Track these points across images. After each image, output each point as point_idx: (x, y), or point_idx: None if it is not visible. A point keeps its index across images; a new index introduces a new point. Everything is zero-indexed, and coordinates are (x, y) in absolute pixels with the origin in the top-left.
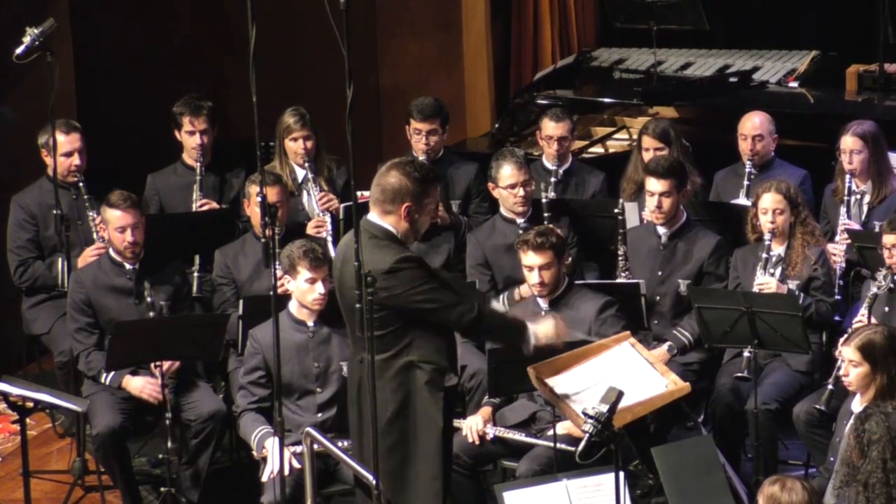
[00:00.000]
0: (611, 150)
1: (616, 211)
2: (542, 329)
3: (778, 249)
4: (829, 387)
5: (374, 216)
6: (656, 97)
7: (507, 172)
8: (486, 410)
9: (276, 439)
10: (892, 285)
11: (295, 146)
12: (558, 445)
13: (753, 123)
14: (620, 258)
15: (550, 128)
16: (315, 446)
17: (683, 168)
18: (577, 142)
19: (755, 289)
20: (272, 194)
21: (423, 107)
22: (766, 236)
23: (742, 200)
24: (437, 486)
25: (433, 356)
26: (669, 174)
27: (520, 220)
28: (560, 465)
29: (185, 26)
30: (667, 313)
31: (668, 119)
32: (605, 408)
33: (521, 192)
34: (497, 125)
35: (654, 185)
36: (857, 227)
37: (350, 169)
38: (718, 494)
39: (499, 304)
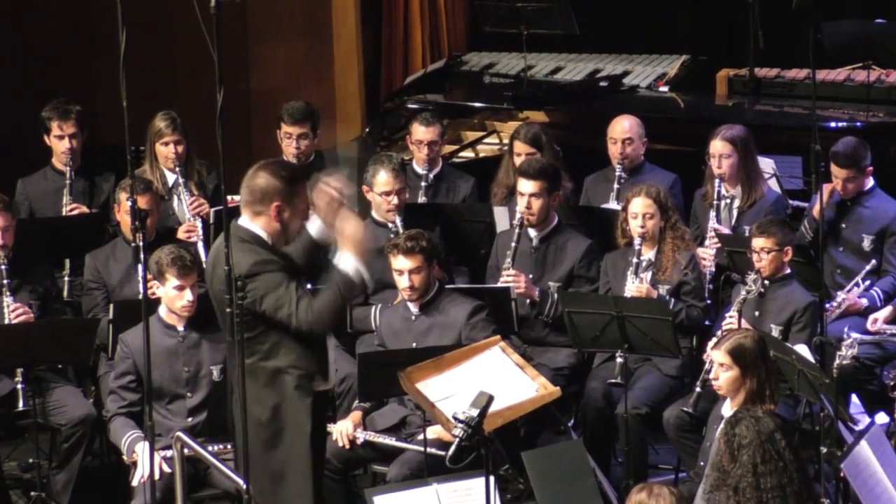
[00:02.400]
0: (481, 155)
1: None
2: (348, 258)
3: (648, 254)
4: (697, 389)
5: (244, 219)
6: (527, 101)
7: (382, 179)
8: (356, 415)
9: (147, 444)
10: (761, 289)
11: (165, 150)
12: (429, 450)
13: (623, 127)
14: (506, 265)
15: (420, 132)
16: (185, 450)
17: (556, 171)
18: (447, 146)
19: (626, 293)
20: (142, 199)
21: (294, 111)
22: (637, 241)
23: (612, 205)
24: (309, 490)
25: (300, 361)
26: (540, 176)
27: (391, 224)
28: (430, 469)
29: (53, 30)
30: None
31: (539, 124)
32: (475, 412)
33: (394, 199)
34: (368, 129)
35: (525, 186)
36: (726, 231)
37: (220, 173)
38: (589, 499)
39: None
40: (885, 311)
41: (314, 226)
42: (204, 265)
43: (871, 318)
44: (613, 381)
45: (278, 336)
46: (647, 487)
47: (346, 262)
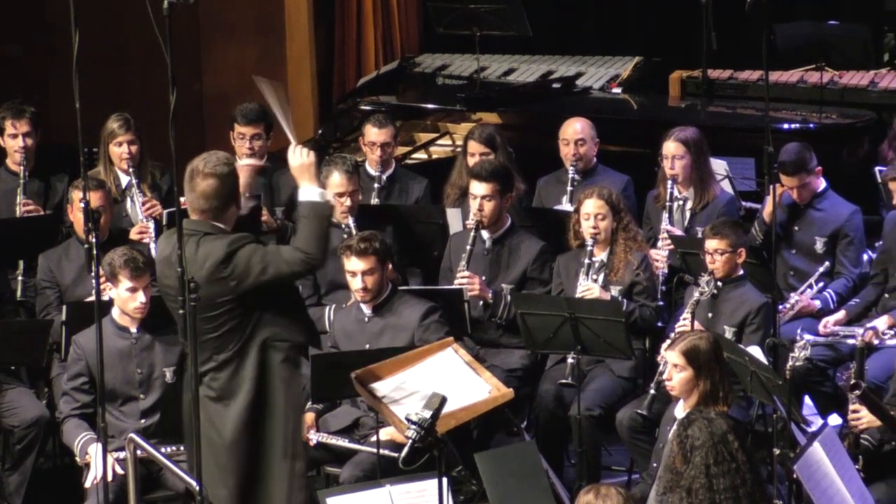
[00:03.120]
0: (434, 156)
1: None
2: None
3: (600, 255)
4: (651, 391)
5: (192, 217)
6: (479, 103)
7: (336, 180)
8: (309, 416)
9: (100, 445)
10: (714, 291)
11: (119, 151)
12: (382, 451)
13: (575, 129)
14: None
15: (373, 133)
16: (138, 452)
17: (508, 172)
18: (400, 148)
19: (578, 294)
20: (95, 200)
21: (248, 112)
22: (589, 242)
23: (565, 206)
24: (301, 467)
25: (285, 333)
26: (492, 178)
27: (345, 226)
28: (383, 470)
29: (7, 32)
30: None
31: (493, 125)
32: (428, 413)
33: (347, 201)
34: (320, 131)
35: (477, 188)
36: (679, 232)
37: (173, 175)
38: (541, 500)
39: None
40: (837, 315)
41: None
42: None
43: (823, 321)
44: (564, 381)
45: (260, 311)
46: (595, 489)
47: (305, 191)
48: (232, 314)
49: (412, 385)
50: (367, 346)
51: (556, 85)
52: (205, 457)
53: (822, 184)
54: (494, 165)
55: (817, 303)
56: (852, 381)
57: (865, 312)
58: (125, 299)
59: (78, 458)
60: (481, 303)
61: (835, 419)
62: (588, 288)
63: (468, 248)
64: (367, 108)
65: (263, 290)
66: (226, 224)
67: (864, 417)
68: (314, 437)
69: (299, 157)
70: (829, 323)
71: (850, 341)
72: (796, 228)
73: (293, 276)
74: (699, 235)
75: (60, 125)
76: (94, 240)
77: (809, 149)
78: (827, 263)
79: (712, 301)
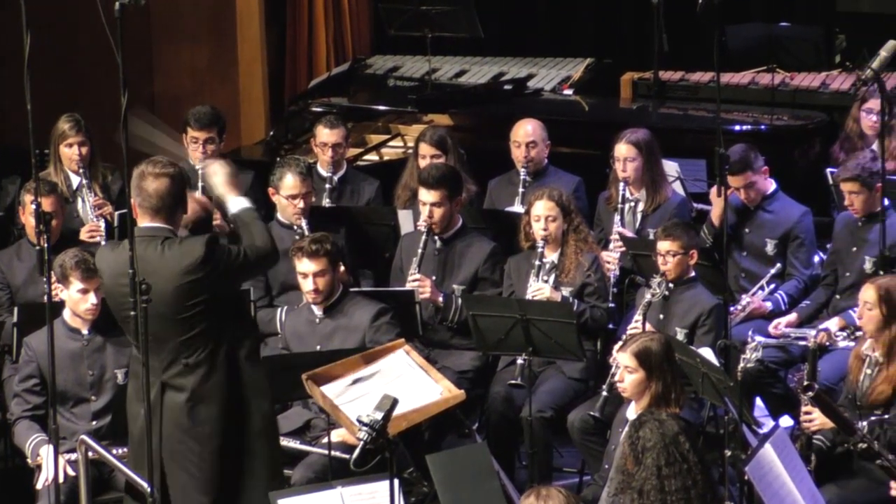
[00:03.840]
0: (385, 158)
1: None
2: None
3: (551, 256)
4: (604, 393)
5: (146, 222)
6: (431, 105)
7: (289, 182)
8: None
9: (51, 447)
10: (666, 293)
11: (70, 152)
12: (333, 453)
13: (526, 130)
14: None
15: (324, 135)
16: (90, 454)
17: (456, 176)
18: (351, 149)
19: (529, 295)
20: (47, 203)
21: (201, 116)
22: (540, 243)
23: (517, 208)
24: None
25: (241, 331)
26: (440, 184)
27: (297, 227)
28: (335, 472)
29: None
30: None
31: (445, 127)
32: (379, 415)
33: (300, 203)
34: (272, 133)
35: (426, 195)
36: (631, 234)
37: (124, 176)
38: (493, 502)
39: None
40: (789, 317)
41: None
42: None
43: (774, 322)
44: (514, 381)
45: (220, 315)
46: (536, 490)
47: (235, 202)
48: (204, 316)
49: (363, 387)
50: (319, 348)
51: (507, 86)
52: (179, 467)
53: (771, 185)
54: (442, 171)
55: (768, 304)
56: (805, 383)
57: (817, 314)
58: (76, 301)
59: (29, 460)
60: (432, 305)
61: (786, 421)
62: (539, 288)
63: (419, 251)
64: (319, 109)
65: (231, 289)
66: (177, 229)
67: (816, 419)
68: None
69: (220, 171)
70: (780, 324)
71: (802, 343)
72: (747, 231)
73: (264, 261)
74: (651, 237)
75: (11, 126)
76: (45, 244)
77: (755, 149)
78: (778, 265)
79: (664, 303)
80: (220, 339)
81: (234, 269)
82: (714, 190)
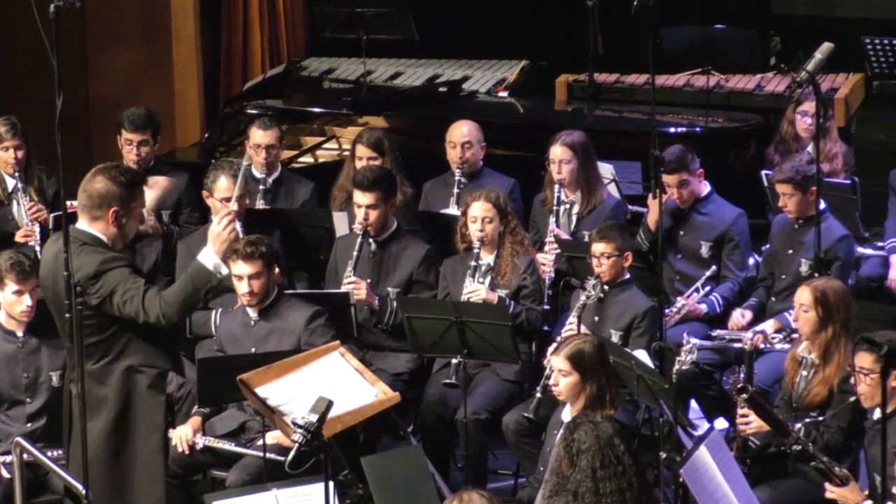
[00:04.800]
0: (320, 160)
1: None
2: (208, 249)
3: (487, 258)
4: (538, 395)
5: (82, 224)
6: (365, 107)
7: (223, 185)
8: (195, 420)
9: None
10: (601, 295)
11: (5, 156)
12: (268, 455)
13: (462, 132)
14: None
15: (259, 136)
16: (25, 456)
17: (391, 179)
18: (286, 151)
19: (464, 296)
20: None
21: (135, 118)
22: (476, 245)
23: (452, 210)
24: (160, 491)
25: (153, 359)
26: (374, 187)
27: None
28: (270, 474)
29: None
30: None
31: (381, 129)
32: (314, 417)
33: (234, 206)
34: (207, 135)
35: (360, 198)
36: (566, 236)
37: (59, 178)
38: None
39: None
40: (747, 317)
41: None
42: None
43: (732, 322)
44: (448, 381)
45: (130, 335)
46: (458, 495)
47: (206, 255)
48: (97, 328)
49: (298, 389)
50: (254, 350)
51: (442, 88)
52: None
53: (705, 188)
54: (376, 173)
55: (703, 307)
56: (739, 385)
57: (760, 314)
58: (11, 303)
59: None
60: (367, 307)
61: (721, 423)
62: (475, 290)
63: (355, 253)
64: (253, 111)
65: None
66: (105, 235)
67: (752, 422)
68: (200, 441)
69: (220, 228)
70: (739, 326)
71: (737, 345)
72: (681, 233)
73: (144, 323)
74: (586, 239)
75: None
76: None
77: (692, 150)
78: (713, 268)
79: (599, 305)
80: (118, 356)
81: (108, 306)
82: (651, 197)
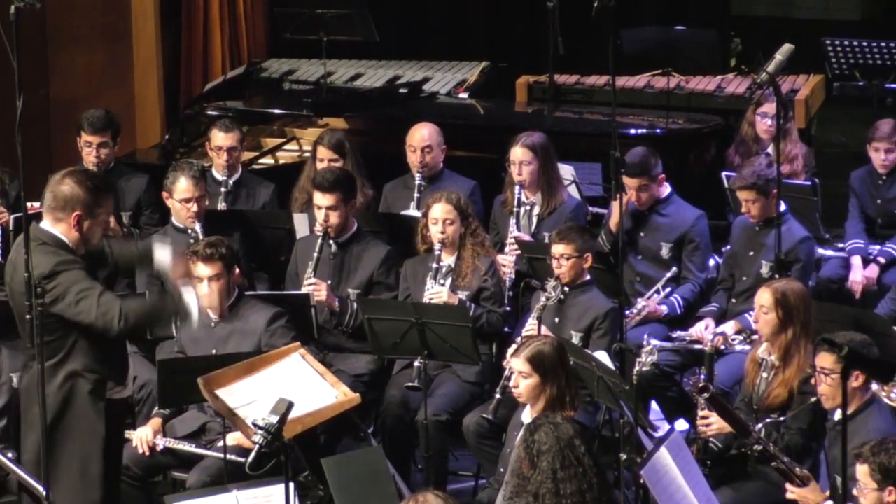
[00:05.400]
0: (281, 162)
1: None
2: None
3: (448, 260)
4: (498, 396)
5: (46, 224)
6: (326, 108)
7: (182, 186)
8: (155, 421)
9: None
10: (561, 296)
11: None
12: (228, 456)
13: (422, 135)
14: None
15: (219, 138)
16: None
17: (351, 180)
18: (247, 153)
19: (425, 298)
20: None
21: (94, 119)
22: (437, 247)
23: (413, 212)
24: (95, 496)
25: (96, 365)
26: (335, 188)
27: (191, 231)
28: (230, 475)
29: None
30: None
31: (342, 131)
32: (274, 419)
33: (194, 207)
34: (167, 136)
35: (320, 199)
36: (526, 237)
37: (20, 180)
38: None
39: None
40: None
41: (163, 252)
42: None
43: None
44: (410, 384)
45: (76, 338)
46: (413, 497)
47: (190, 296)
48: (47, 329)
49: (259, 390)
50: (214, 352)
51: (402, 90)
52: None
53: (666, 190)
54: (336, 175)
55: (664, 308)
56: (701, 384)
57: (721, 320)
58: None
59: None
60: (327, 309)
61: (681, 424)
62: (437, 292)
63: (315, 254)
64: (214, 113)
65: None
66: (66, 237)
67: (713, 423)
68: (160, 443)
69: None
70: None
71: (697, 346)
72: (642, 234)
73: (95, 329)
74: (546, 240)
75: None
76: None
77: (655, 155)
78: (674, 269)
79: (559, 306)
80: (63, 359)
81: (60, 305)
82: (613, 198)
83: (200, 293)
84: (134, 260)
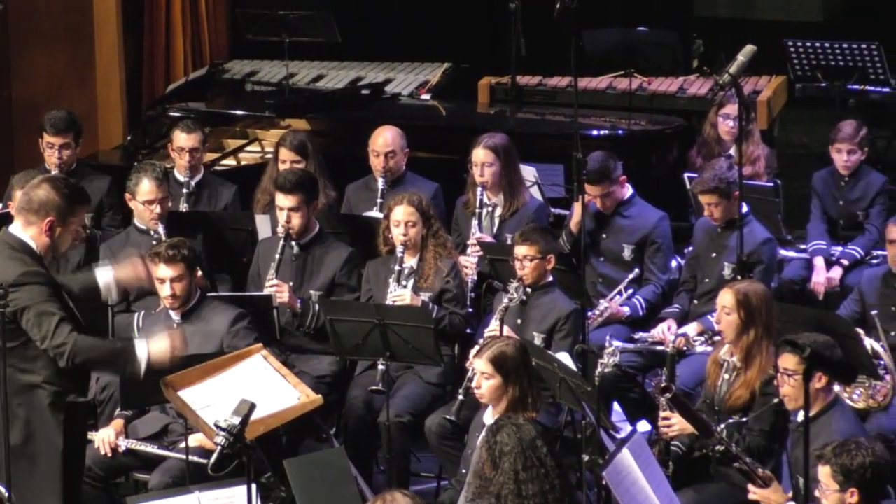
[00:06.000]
0: (243, 163)
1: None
2: (156, 347)
3: (410, 261)
4: (460, 397)
5: (16, 226)
6: (288, 109)
7: (145, 188)
8: (118, 423)
9: None
10: (523, 297)
11: None
12: (191, 458)
13: (385, 139)
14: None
15: (181, 139)
16: None
17: (313, 181)
18: (209, 154)
19: (389, 301)
20: None
21: (56, 121)
22: (399, 248)
23: (375, 213)
24: (56, 499)
25: (56, 378)
26: (297, 190)
27: (154, 232)
28: (192, 477)
29: None
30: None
31: (304, 132)
32: (237, 420)
33: (157, 208)
34: (129, 137)
35: (283, 200)
36: (489, 239)
37: None
38: None
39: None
40: (693, 324)
41: (105, 274)
42: None
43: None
44: (375, 388)
45: (38, 349)
46: (381, 496)
47: (158, 347)
48: (10, 335)
49: (221, 391)
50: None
51: (365, 91)
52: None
53: (627, 191)
54: (298, 176)
55: (626, 309)
56: (663, 384)
57: (683, 321)
58: None
59: None
60: (289, 310)
61: (644, 425)
62: (400, 295)
63: (277, 256)
64: (176, 114)
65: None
66: (36, 243)
67: (675, 424)
68: (123, 444)
69: (173, 348)
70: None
71: (659, 348)
72: (604, 236)
73: (42, 348)
74: (508, 242)
75: None
76: None
77: (614, 158)
78: (636, 270)
79: (521, 307)
80: (23, 370)
81: (18, 318)
82: (574, 200)
83: (162, 294)
84: (81, 295)
